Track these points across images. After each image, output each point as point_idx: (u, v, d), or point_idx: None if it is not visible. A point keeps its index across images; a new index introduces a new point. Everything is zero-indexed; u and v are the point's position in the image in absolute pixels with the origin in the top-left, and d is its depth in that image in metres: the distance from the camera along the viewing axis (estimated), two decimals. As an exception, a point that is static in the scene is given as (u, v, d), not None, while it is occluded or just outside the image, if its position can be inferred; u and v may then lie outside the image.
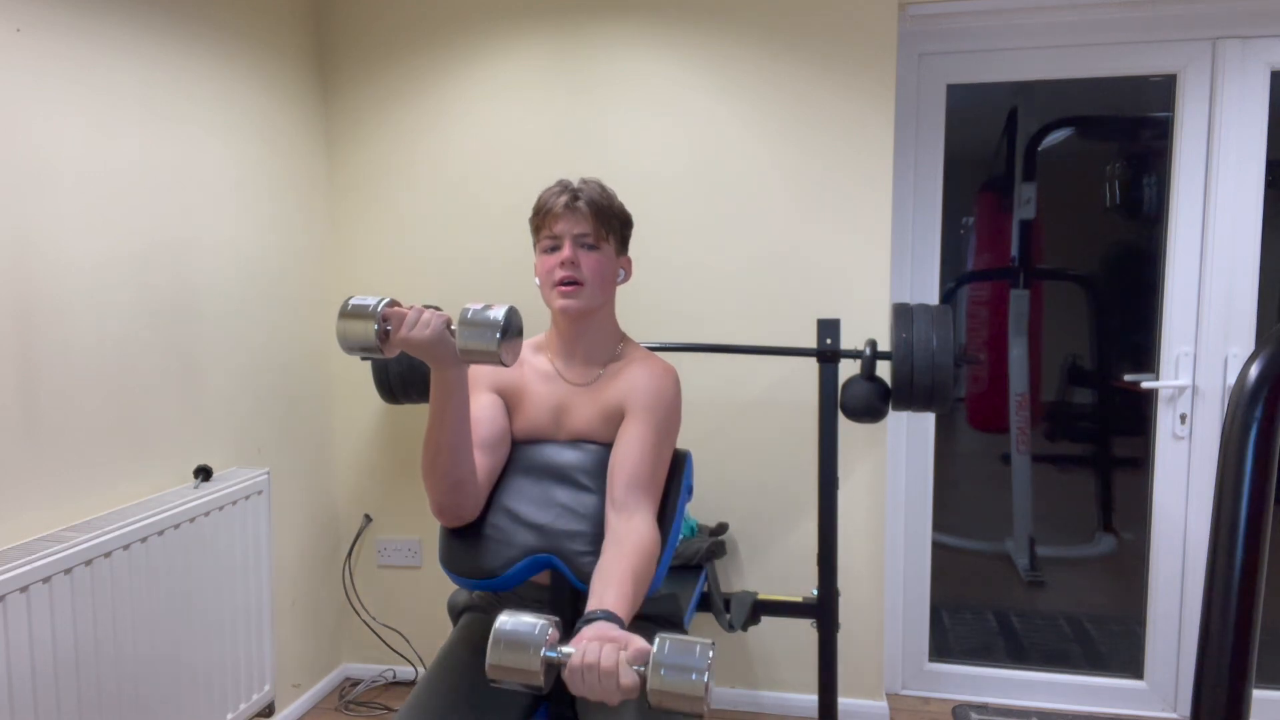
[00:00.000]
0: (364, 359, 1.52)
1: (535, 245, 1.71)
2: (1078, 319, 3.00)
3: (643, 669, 1.16)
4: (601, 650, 1.17)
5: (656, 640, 1.15)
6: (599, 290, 1.65)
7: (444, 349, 1.45)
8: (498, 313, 1.40)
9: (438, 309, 1.47)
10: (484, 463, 1.61)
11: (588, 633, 1.21)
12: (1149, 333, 2.70)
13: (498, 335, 1.38)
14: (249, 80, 2.48)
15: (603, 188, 1.70)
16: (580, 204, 1.63)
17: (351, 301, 1.46)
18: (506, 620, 1.20)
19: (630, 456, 1.55)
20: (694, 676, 1.11)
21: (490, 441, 1.63)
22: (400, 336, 1.43)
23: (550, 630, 1.20)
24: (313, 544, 2.84)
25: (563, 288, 1.63)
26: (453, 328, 1.44)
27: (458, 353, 1.42)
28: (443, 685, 1.54)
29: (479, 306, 1.42)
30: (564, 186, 1.67)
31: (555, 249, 1.65)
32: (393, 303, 1.47)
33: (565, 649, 1.19)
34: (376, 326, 1.43)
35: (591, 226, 1.64)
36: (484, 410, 1.65)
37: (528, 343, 1.80)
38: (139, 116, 2.09)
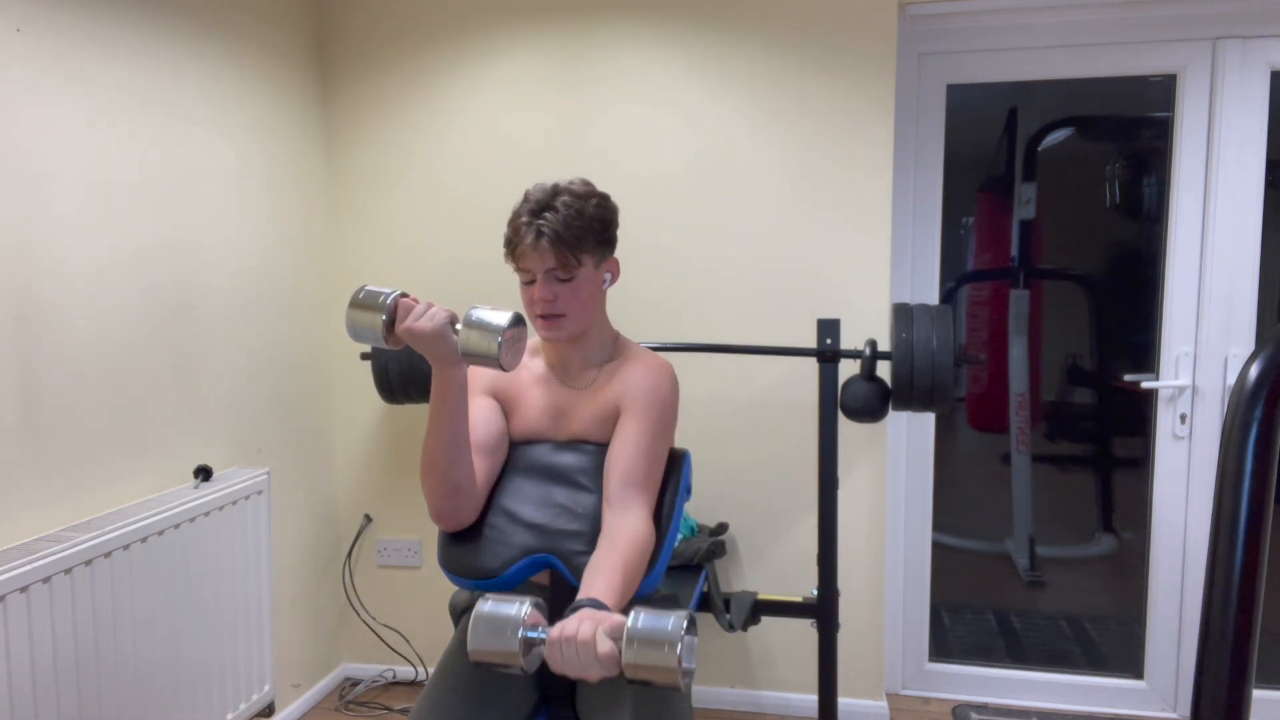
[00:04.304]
0: (363, 355, 1.50)
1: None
2: (1078, 319, 3.00)
3: (620, 641, 1.14)
4: (580, 624, 1.18)
5: (632, 613, 1.14)
6: (582, 316, 1.60)
7: (445, 346, 1.44)
8: (502, 317, 1.39)
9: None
10: (481, 466, 1.60)
11: (571, 614, 1.22)
12: (1149, 333, 2.70)
13: (499, 340, 1.37)
14: (249, 80, 2.48)
15: (572, 199, 1.56)
16: (544, 240, 1.53)
17: (365, 290, 1.47)
18: (486, 603, 1.19)
19: (625, 454, 1.54)
20: (666, 649, 1.10)
21: (487, 444, 1.63)
22: (404, 326, 1.44)
23: (529, 610, 1.19)
24: (313, 544, 2.84)
25: (544, 320, 1.59)
26: (457, 326, 1.43)
27: (458, 352, 1.41)
28: (446, 690, 1.54)
29: (486, 309, 1.41)
30: (532, 211, 1.56)
31: (531, 282, 1.59)
32: (404, 295, 1.47)
33: (548, 630, 1.19)
34: (385, 317, 1.44)
35: (558, 260, 1.55)
36: (481, 413, 1.65)
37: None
38: (139, 116, 2.09)
